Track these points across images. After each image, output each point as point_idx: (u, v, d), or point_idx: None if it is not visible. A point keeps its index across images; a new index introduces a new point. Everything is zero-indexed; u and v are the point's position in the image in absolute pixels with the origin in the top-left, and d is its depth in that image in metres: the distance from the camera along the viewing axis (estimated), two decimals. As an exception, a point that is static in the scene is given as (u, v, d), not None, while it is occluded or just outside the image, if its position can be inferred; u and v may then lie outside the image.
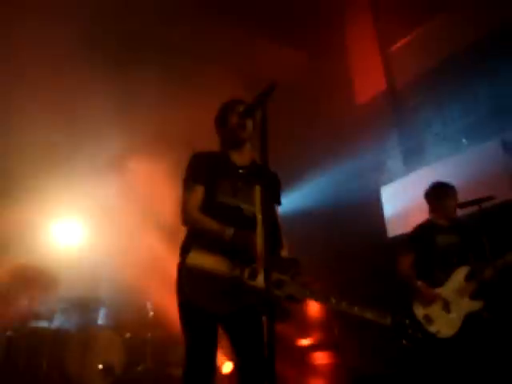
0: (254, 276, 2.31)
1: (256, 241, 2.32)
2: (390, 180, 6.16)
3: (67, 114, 5.68)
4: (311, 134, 6.58)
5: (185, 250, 2.41)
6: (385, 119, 6.41)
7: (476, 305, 3.56)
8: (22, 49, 5.17)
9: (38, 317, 5.04)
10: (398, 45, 6.61)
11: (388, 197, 6.10)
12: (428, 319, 3.51)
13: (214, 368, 2.40)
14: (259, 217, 2.39)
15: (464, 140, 5.44)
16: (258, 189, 2.37)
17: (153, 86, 5.61)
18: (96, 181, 5.80)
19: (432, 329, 3.47)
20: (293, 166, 5.99)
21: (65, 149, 5.85)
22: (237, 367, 2.46)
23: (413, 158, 6.06)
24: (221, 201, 2.51)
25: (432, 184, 3.98)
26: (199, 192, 2.51)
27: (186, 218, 2.49)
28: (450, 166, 5.26)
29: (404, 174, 6.03)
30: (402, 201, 5.79)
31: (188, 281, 2.32)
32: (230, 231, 2.35)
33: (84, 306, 5.26)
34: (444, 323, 3.49)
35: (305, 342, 6.38)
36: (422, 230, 3.86)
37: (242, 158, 2.68)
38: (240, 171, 2.63)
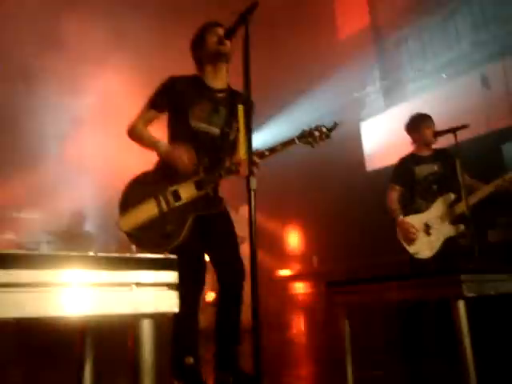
0: (177, 197, 2.49)
1: (191, 153, 2.48)
2: (370, 115, 6.23)
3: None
4: (292, 67, 6.52)
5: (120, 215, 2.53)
6: (366, 55, 6.39)
7: (455, 229, 3.76)
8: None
9: (21, 248, 5.11)
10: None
11: (367, 132, 6.19)
12: (408, 241, 3.70)
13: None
14: (242, 137, 2.44)
15: (444, 75, 5.50)
16: (240, 108, 2.42)
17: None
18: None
19: (410, 249, 3.67)
20: (274, 97, 6.01)
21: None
22: (217, 276, 2.60)
23: (393, 93, 6.12)
24: (193, 125, 2.59)
25: (410, 116, 4.08)
26: (151, 115, 2.66)
27: (130, 128, 2.65)
28: (429, 100, 5.33)
29: (384, 109, 6.10)
30: (380, 136, 5.90)
31: (137, 241, 2.47)
32: (163, 144, 2.54)
33: (70, 238, 5.35)
34: (423, 245, 3.69)
35: (285, 273, 6.62)
36: (403, 162, 3.98)
37: (217, 81, 2.70)
38: (217, 94, 2.67)
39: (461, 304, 1.92)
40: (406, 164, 3.94)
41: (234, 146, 2.67)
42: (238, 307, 2.56)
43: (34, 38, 5.61)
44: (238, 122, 2.51)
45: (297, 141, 2.58)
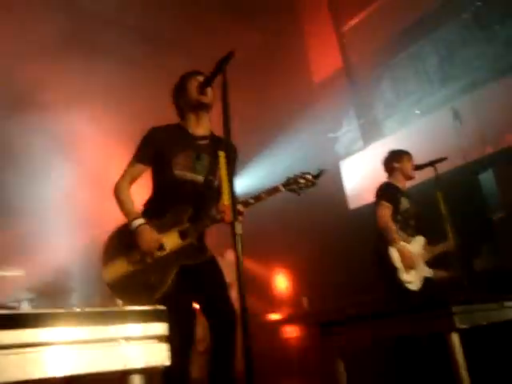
0: (161, 247, 2.45)
1: (157, 237, 2.45)
2: (349, 154, 6.34)
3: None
4: (269, 112, 6.66)
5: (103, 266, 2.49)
6: (342, 96, 6.57)
7: (429, 272, 3.80)
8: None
9: (3, 307, 4.96)
10: (352, 23, 6.78)
11: (347, 170, 6.28)
12: (407, 267, 3.67)
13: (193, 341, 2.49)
14: (225, 184, 2.43)
15: (417, 111, 5.68)
16: (222, 154, 2.44)
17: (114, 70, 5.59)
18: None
19: (406, 277, 3.63)
20: (252, 141, 6.09)
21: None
22: (210, 327, 2.54)
23: (370, 131, 6.28)
24: (177, 174, 2.59)
25: (388, 151, 4.16)
26: (137, 169, 2.64)
27: (115, 189, 2.62)
28: (405, 136, 5.47)
29: (362, 147, 6.22)
30: (361, 174, 5.99)
31: (119, 293, 2.43)
32: (135, 224, 2.45)
33: (52, 294, 5.21)
34: (415, 277, 3.68)
35: (275, 316, 6.52)
36: (391, 186, 3.99)
37: (200, 128, 2.72)
38: (199, 142, 2.69)
39: (455, 336, 1.91)
40: (394, 189, 3.96)
41: (218, 193, 2.62)
42: (231, 358, 2.48)
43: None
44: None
45: (282, 188, 2.55)
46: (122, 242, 2.49)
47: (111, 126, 5.80)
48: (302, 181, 2.55)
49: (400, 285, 3.60)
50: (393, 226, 3.74)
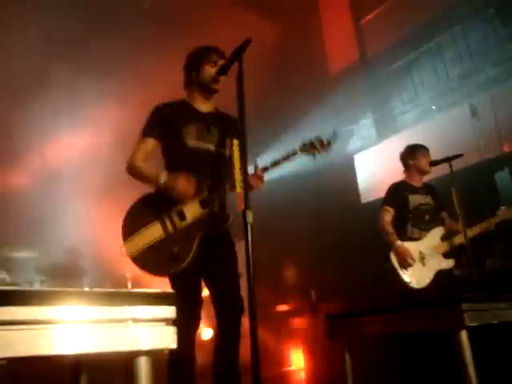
0: (183, 216, 2.45)
1: (190, 178, 2.47)
2: (363, 148, 6.29)
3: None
4: (285, 102, 6.63)
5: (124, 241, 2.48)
6: (358, 89, 6.51)
7: (448, 263, 3.77)
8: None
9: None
10: (371, 16, 6.70)
11: (361, 164, 6.24)
12: (404, 268, 3.67)
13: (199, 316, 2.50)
14: (237, 169, 2.43)
15: (433, 107, 5.60)
16: (235, 143, 2.43)
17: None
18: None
19: (405, 278, 3.64)
20: (267, 130, 6.08)
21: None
22: (216, 314, 2.54)
23: (385, 125, 6.22)
24: (189, 144, 2.59)
25: (406, 145, 4.14)
26: (149, 144, 2.64)
27: (129, 165, 2.62)
28: (420, 132, 5.40)
29: (376, 141, 6.17)
30: (374, 168, 5.94)
31: (144, 265, 2.41)
32: (163, 177, 2.46)
33: (63, 276, 5.28)
34: (418, 275, 3.67)
35: (283, 307, 6.52)
36: (396, 187, 4.01)
37: (205, 105, 2.75)
38: (206, 116, 2.71)
39: (463, 334, 1.89)
40: (400, 189, 3.97)
41: (230, 164, 2.61)
42: (236, 346, 2.48)
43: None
44: (230, 139, 2.60)
45: (298, 151, 2.60)
46: (142, 213, 2.48)
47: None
48: (317, 144, 2.60)
49: (402, 285, 3.62)
50: (390, 230, 3.80)
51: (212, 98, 2.77)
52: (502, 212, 3.78)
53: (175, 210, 2.47)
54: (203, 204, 2.49)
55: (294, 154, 2.59)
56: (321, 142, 2.62)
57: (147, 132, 2.64)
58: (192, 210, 2.47)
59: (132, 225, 2.46)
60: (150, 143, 2.63)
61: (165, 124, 2.63)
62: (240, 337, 2.48)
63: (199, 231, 2.44)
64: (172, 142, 2.64)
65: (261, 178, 2.53)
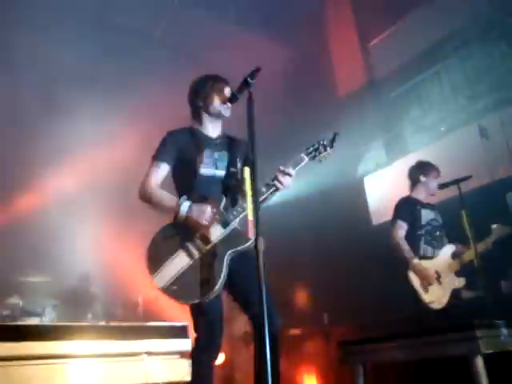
0: (206, 239, 2.44)
1: (211, 203, 2.46)
2: (373, 170, 6.29)
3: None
4: (295, 126, 6.67)
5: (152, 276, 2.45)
6: (367, 111, 6.54)
7: (459, 282, 3.71)
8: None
9: (28, 314, 5.05)
10: (378, 39, 6.78)
11: (371, 187, 6.24)
12: (424, 287, 3.62)
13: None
14: (248, 197, 2.42)
15: (442, 128, 5.61)
16: (246, 170, 2.44)
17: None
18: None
19: (426, 298, 3.58)
20: (276, 152, 6.09)
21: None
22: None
23: (394, 147, 6.22)
24: (202, 172, 2.61)
25: (417, 161, 4.13)
26: (162, 168, 2.64)
27: (143, 191, 2.60)
28: (429, 153, 5.39)
29: (386, 163, 6.17)
30: (384, 190, 5.93)
31: (178, 296, 2.38)
32: (184, 208, 2.45)
33: (75, 302, 5.29)
34: (437, 294, 3.61)
35: (295, 331, 6.45)
36: (407, 201, 3.97)
37: (213, 131, 2.78)
38: (215, 141, 2.74)
39: (479, 360, 1.87)
40: (411, 203, 3.92)
41: (243, 183, 2.58)
42: (276, 351, 2.36)
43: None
44: (240, 161, 2.68)
45: (305, 158, 2.63)
46: (164, 246, 2.45)
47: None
48: (320, 147, 2.65)
49: (422, 306, 3.56)
50: (405, 246, 3.73)
51: (219, 123, 2.82)
52: (496, 231, 3.75)
53: (198, 236, 2.46)
54: (224, 224, 2.48)
55: (301, 161, 2.62)
56: (323, 144, 2.66)
57: (160, 157, 2.66)
58: (214, 232, 2.47)
59: (156, 259, 2.43)
60: (163, 168, 2.65)
61: (177, 150, 2.66)
62: (279, 341, 2.40)
63: (226, 249, 2.43)
64: (184, 168, 2.66)
65: (288, 174, 2.54)
